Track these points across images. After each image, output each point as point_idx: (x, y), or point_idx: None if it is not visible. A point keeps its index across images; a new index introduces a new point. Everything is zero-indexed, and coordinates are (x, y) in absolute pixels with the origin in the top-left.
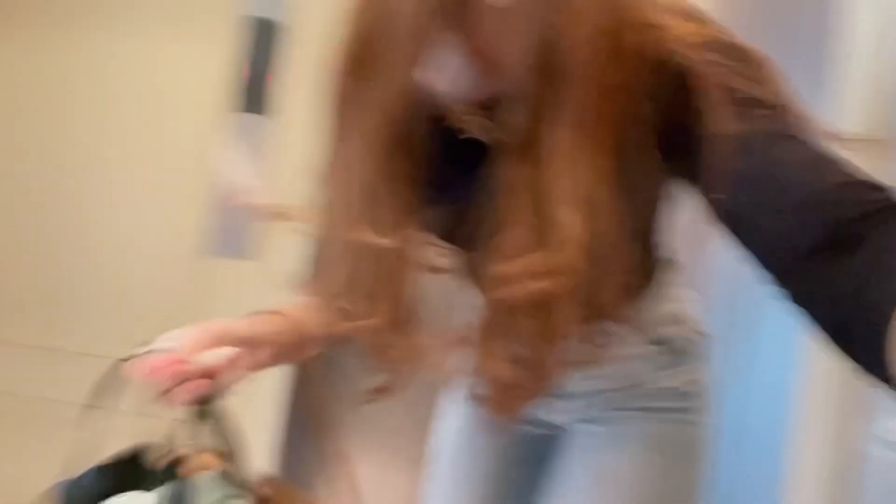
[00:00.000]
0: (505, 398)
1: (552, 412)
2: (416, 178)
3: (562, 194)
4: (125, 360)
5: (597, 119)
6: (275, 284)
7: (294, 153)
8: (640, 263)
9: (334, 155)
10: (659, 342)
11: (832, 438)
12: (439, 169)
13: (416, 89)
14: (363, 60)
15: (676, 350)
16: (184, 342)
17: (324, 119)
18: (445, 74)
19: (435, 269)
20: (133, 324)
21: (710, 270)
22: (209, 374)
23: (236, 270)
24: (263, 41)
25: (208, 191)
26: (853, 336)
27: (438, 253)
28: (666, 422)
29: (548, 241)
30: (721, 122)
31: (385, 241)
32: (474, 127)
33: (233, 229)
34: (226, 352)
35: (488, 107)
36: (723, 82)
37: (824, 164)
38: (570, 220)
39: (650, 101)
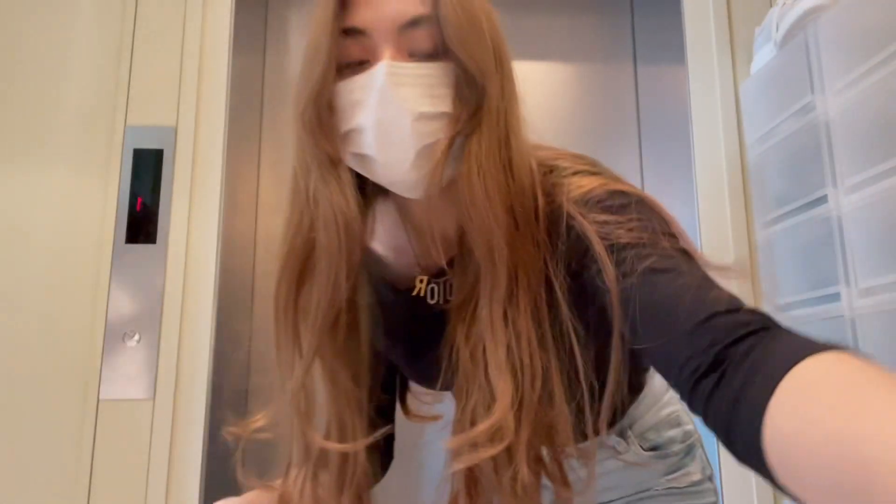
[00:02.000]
0: None
1: None
2: (366, 360)
3: (493, 361)
4: None
5: (513, 289)
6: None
7: (181, 281)
8: (614, 387)
9: (283, 362)
10: (657, 447)
11: None
12: (399, 333)
13: (355, 275)
14: (303, 271)
15: (677, 453)
16: None
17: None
18: (390, 249)
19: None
20: (27, 467)
21: None
22: None
23: (132, 409)
24: (150, 171)
25: (101, 327)
26: (736, 440)
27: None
28: None
29: (488, 406)
30: (608, 274)
31: (336, 447)
32: (424, 293)
33: (131, 368)
34: None
35: (439, 274)
36: (608, 236)
37: (704, 293)
38: (500, 386)
39: (555, 260)
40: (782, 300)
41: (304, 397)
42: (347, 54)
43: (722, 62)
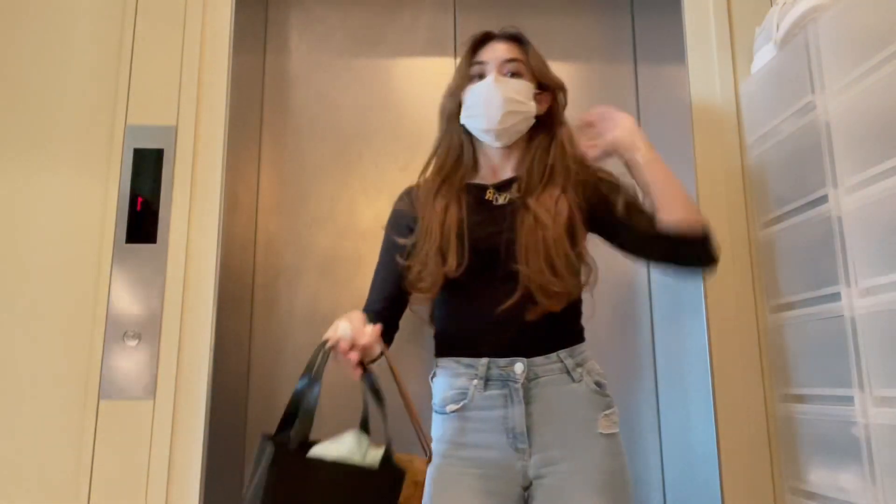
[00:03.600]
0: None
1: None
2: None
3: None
4: (326, 343)
5: (564, 200)
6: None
7: (181, 281)
8: (573, 316)
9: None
10: (600, 385)
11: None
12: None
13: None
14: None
15: (609, 396)
16: (353, 328)
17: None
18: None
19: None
20: (27, 467)
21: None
22: (368, 347)
23: (132, 409)
24: (150, 171)
25: (101, 327)
26: (655, 250)
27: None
28: (611, 464)
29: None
30: (618, 204)
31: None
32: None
33: (131, 368)
34: (371, 330)
35: (500, 188)
36: (619, 186)
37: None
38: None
39: (586, 196)
40: (782, 300)
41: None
42: (473, 74)
43: (722, 62)
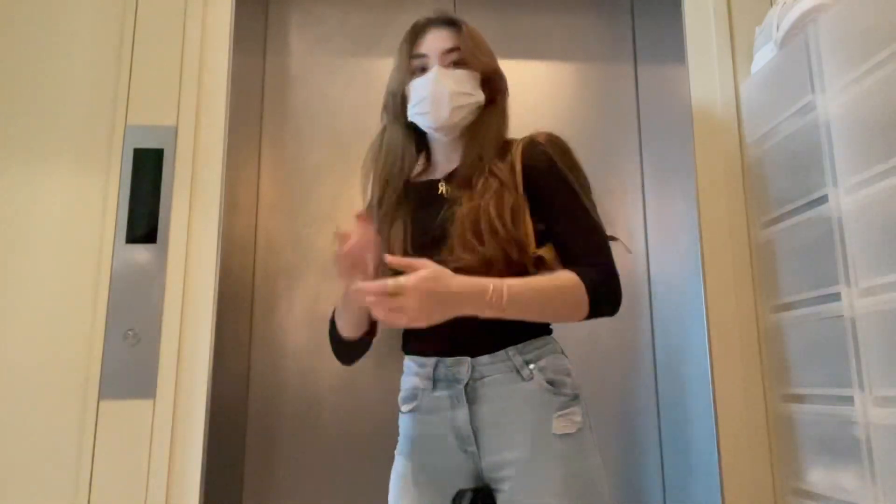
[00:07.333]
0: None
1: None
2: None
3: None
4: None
5: (498, 187)
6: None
7: (181, 281)
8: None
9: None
10: (552, 383)
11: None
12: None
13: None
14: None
15: (567, 395)
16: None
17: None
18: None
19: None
20: (27, 467)
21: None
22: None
23: (132, 409)
24: (150, 171)
25: (101, 327)
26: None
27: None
28: (568, 465)
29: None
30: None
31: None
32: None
33: (131, 368)
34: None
35: (448, 179)
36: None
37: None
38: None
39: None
40: (782, 300)
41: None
42: (415, 67)
43: (722, 62)
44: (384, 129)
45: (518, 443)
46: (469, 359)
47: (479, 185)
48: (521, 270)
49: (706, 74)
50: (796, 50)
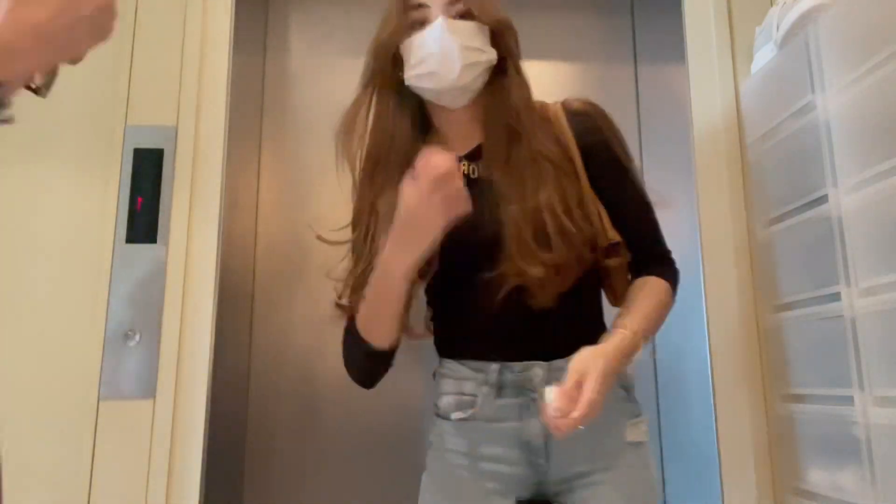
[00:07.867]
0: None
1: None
2: None
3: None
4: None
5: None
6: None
7: (181, 281)
8: (592, 301)
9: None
10: (627, 389)
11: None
12: None
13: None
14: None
15: (637, 402)
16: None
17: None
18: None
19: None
20: (26, 467)
21: None
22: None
23: (132, 409)
24: (150, 171)
25: (101, 327)
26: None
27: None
28: (636, 476)
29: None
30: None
31: None
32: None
33: (131, 368)
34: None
35: (472, 157)
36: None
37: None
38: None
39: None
40: (782, 300)
41: None
42: (413, 21)
43: (722, 62)
44: (367, 98)
45: (593, 452)
46: (542, 363)
47: (529, 172)
48: (592, 267)
49: (706, 74)
50: (796, 50)
